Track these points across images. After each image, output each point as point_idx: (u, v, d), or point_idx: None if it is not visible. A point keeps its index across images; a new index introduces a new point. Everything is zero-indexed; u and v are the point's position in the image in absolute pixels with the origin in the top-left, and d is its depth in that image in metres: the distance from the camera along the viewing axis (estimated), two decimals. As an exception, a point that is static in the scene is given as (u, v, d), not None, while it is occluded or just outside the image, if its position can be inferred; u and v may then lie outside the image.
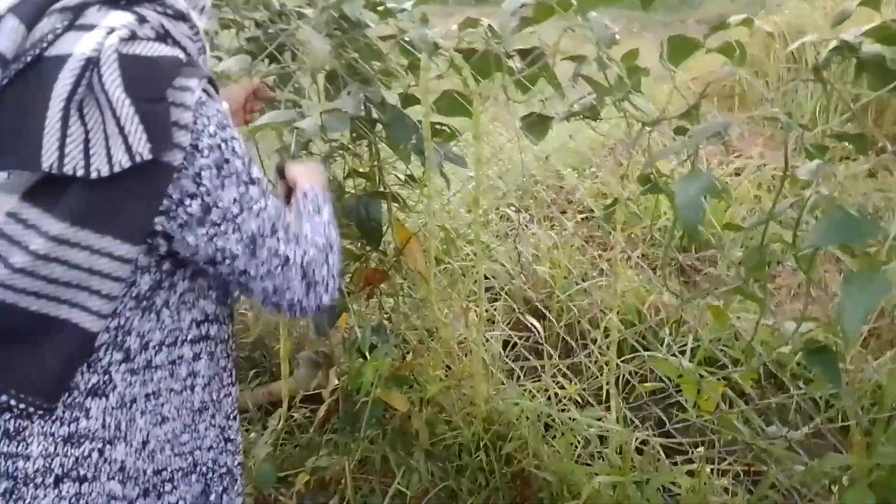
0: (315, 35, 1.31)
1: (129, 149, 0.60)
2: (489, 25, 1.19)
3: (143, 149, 0.60)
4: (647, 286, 2.07)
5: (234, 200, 0.68)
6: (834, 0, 4.28)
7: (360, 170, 1.46)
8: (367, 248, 1.44)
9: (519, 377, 1.62)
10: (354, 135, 1.41)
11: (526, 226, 2.56)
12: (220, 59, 1.50)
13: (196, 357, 0.75)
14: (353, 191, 1.47)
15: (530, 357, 1.72)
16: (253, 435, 1.64)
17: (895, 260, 0.82)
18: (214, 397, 0.79)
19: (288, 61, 1.46)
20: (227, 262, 0.69)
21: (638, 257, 2.21)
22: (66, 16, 0.63)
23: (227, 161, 0.67)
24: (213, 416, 0.79)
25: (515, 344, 1.76)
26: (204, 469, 0.79)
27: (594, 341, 1.79)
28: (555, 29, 1.18)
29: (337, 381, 1.48)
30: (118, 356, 0.69)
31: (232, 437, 0.83)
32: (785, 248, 1.06)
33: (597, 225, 2.59)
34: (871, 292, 0.79)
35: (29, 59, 0.60)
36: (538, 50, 1.16)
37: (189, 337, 0.74)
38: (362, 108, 1.36)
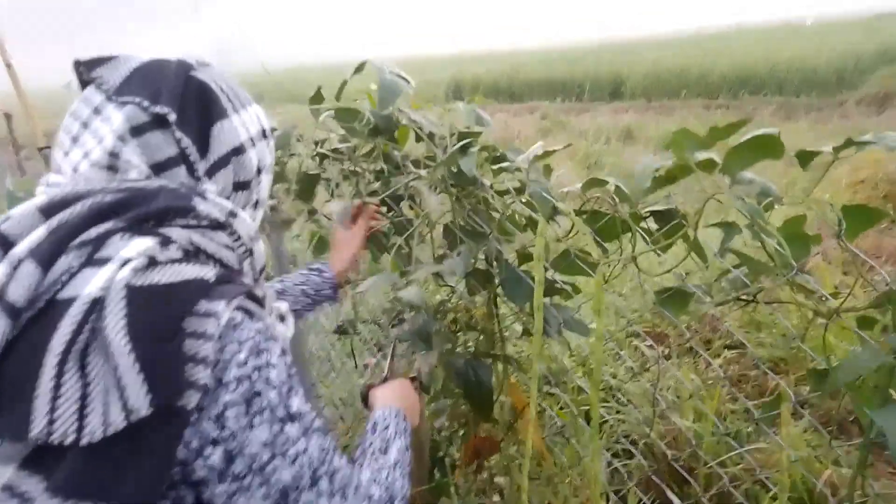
0: (429, 191, 1.28)
1: (125, 405, 0.51)
2: (616, 186, 1.06)
3: (140, 403, 0.51)
4: (820, 454, 1.70)
5: (265, 444, 0.57)
6: None
7: (475, 325, 1.35)
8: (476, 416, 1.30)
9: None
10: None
11: (664, 358, 2.28)
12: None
13: None
14: (464, 346, 1.36)
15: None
16: None
17: None
18: None
19: (404, 211, 1.44)
20: None
21: (807, 409, 1.84)
22: (86, 250, 0.55)
23: (257, 394, 0.57)
24: None
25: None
26: None
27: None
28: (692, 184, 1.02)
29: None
30: None
31: None
32: None
33: (751, 362, 2.23)
34: None
35: (42, 304, 0.52)
36: (677, 219, 1.00)
37: None
38: (480, 261, 1.28)
